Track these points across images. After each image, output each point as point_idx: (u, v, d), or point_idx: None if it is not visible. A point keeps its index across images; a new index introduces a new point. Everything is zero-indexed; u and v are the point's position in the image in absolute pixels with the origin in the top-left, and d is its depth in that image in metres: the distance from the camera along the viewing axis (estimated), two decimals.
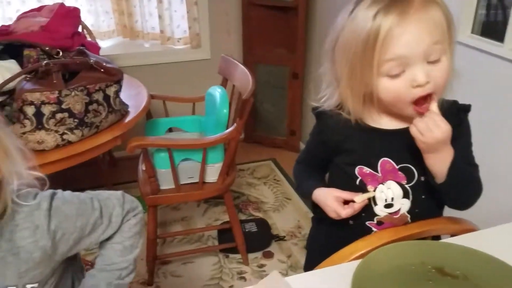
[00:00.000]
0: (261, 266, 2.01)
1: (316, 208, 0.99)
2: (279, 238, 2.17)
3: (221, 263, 2.04)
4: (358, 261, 0.79)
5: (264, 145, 2.97)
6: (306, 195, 1.01)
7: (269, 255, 2.07)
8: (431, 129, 0.77)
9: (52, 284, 0.80)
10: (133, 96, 1.78)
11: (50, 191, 0.75)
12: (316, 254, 0.99)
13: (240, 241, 1.99)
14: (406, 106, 0.80)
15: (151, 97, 1.89)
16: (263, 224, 2.19)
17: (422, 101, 0.79)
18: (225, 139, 1.71)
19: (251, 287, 0.79)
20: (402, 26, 0.73)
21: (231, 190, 2.22)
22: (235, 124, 1.70)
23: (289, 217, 2.32)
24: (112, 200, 0.80)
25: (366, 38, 0.75)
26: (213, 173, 1.82)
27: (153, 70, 2.56)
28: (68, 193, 0.77)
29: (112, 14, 2.50)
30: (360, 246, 0.88)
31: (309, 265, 0.96)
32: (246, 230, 2.11)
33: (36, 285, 0.75)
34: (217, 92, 1.85)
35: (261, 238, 2.13)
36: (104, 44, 2.45)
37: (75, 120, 1.31)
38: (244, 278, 1.94)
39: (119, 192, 0.83)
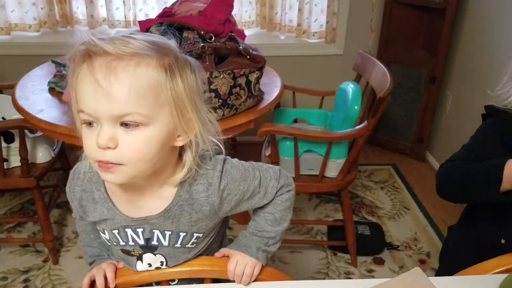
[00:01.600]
0: (370, 271, 1.96)
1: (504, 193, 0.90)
2: (393, 247, 2.08)
3: (329, 259, 2.03)
4: (505, 275, 0.74)
5: (386, 148, 2.87)
6: (491, 172, 0.91)
7: (379, 262, 2.01)
8: None
9: (212, 237, 0.88)
10: (268, 84, 1.85)
11: (223, 156, 0.82)
12: (452, 266, 0.94)
13: (351, 241, 1.96)
14: None
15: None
16: (377, 229, 2.12)
17: None
18: (354, 136, 1.69)
19: (389, 279, 0.79)
20: None
21: None
22: (365, 122, 1.67)
23: (405, 228, 2.22)
24: (270, 172, 0.85)
25: None
26: (333, 168, 1.82)
27: (286, 62, 2.62)
28: (236, 160, 0.85)
29: (255, 5, 2.61)
30: (508, 260, 0.82)
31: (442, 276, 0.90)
32: (359, 232, 2.06)
33: (201, 235, 0.83)
34: (350, 87, 1.83)
35: (373, 243, 2.07)
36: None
37: (220, 100, 1.41)
38: (351, 279, 1.91)
39: (277, 167, 0.87)
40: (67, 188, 0.85)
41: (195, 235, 0.83)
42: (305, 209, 2.34)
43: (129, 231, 0.81)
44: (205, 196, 0.79)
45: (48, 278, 1.89)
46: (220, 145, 0.80)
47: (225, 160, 0.82)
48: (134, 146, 0.67)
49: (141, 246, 0.83)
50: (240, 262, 0.84)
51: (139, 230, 0.81)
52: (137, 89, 0.65)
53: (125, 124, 0.66)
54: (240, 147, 2.83)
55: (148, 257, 0.84)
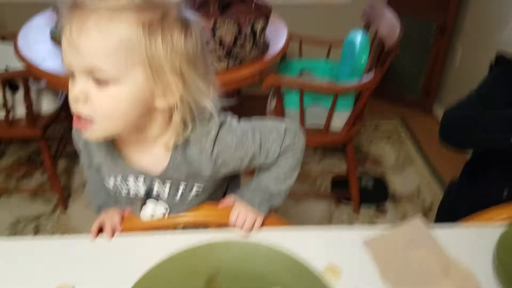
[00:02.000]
0: (372, 221, 2.00)
1: None
2: (395, 199, 2.11)
3: (332, 210, 2.06)
4: (506, 222, 0.75)
5: (392, 101, 2.83)
6: (506, 119, 0.88)
7: (382, 213, 2.04)
8: None
9: (216, 186, 0.88)
10: (273, 34, 1.80)
11: (222, 117, 0.79)
12: (450, 219, 0.95)
13: (354, 193, 1.98)
14: None
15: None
16: (380, 182, 2.14)
17: None
18: (361, 88, 1.67)
19: (390, 229, 0.80)
20: None
21: None
22: (372, 73, 1.64)
23: (409, 180, 2.23)
24: (273, 134, 0.81)
25: None
26: (339, 122, 1.81)
27: (293, 11, 2.55)
28: (235, 122, 0.81)
29: None
30: (510, 209, 0.83)
31: None
32: (362, 184, 2.08)
33: (201, 187, 0.84)
34: (358, 37, 1.78)
35: (376, 195, 2.09)
36: None
37: (223, 51, 1.38)
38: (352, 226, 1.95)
39: (283, 127, 0.83)
40: (73, 129, 0.85)
41: (196, 186, 0.83)
42: (310, 162, 2.35)
43: (130, 180, 0.82)
44: (198, 159, 0.78)
45: (58, 226, 1.95)
46: (215, 110, 0.75)
47: (222, 124, 0.79)
48: (103, 102, 0.66)
49: (143, 195, 0.84)
50: (241, 214, 0.85)
51: (141, 179, 0.81)
52: (105, 44, 0.63)
53: (97, 80, 0.65)
54: (245, 101, 2.81)
55: (151, 204, 0.86)
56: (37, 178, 2.23)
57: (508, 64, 0.89)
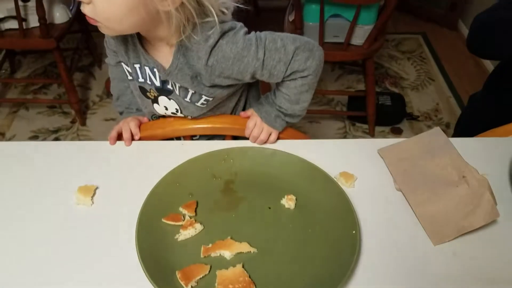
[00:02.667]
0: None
1: None
2: (412, 117, 2.09)
3: (346, 129, 2.06)
4: None
5: (416, 16, 2.69)
6: None
7: (397, 132, 2.03)
8: None
9: (226, 97, 0.87)
10: None
11: (228, 25, 0.75)
12: (469, 133, 0.94)
13: (371, 111, 1.96)
14: None
15: None
16: (398, 100, 2.10)
17: None
18: None
19: (408, 138, 0.80)
20: None
21: None
22: None
23: (428, 99, 2.19)
24: (281, 53, 0.76)
25: None
26: (360, 36, 1.73)
27: None
28: (241, 33, 0.76)
29: None
30: None
31: None
32: (379, 103, 2.05)
33: (210, 99, 0.83)
34: None
35: (393, 113, 2.07)
36: None
37: None
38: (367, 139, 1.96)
39: (293, 48, 0.76)
40: None
41: (203, 97, 0.82)
42: (326, 80, 2.30)
43: (147, 69, 0.82)
44: (196, 65, 0.76)
45: (77, 138, 2.00)
46: (217, 17, 0.72)
47: (225, 32, 0.74)
48: (102, 6, 0.67)
49: (157, 88, 0.84)
50: (258, 125, 0.85)
51: (156, 71, 0.81)
52: None
53: None
54: (263, 14, 2.70)
55: (163, 100, 0.86)
56: (54, 90, 2.25)
57: None
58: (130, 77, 0.87)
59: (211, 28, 0.73)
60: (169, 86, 0.83)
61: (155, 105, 0.88)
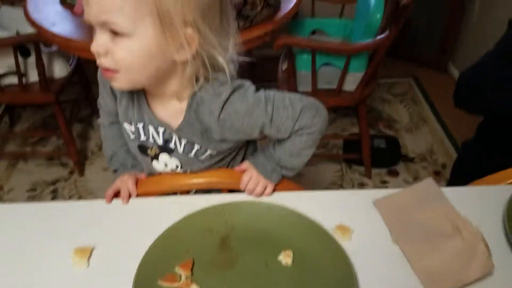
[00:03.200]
0: (384, 182, 2.01)
1: None
2: (408, 159, 2.11)
3: (344, 171, 2.07)
4: None
5: (406, 60, 2.77)
6: None
7: (394, 173, 2.05)
8: None
9: (228, 153, 0.89)
10: None
11: (238, 82, 0.78)
12: (463, 180, 0.95)
13: (366, 154, 1.98)
14: None
15: None
16: (393, 142, 2.13)
17: None
18: (375, 47, 1.63)
19: (401, 189, 0.81)
20: None
21: None
22: (387, 31, 1.60)
23: (422, 140, 2.22)
24: (289, 111, 0.79)
25: None
26: (352, 82, 1.78)
27: None
28: (251, 90, 0.79)
29: None
30: None
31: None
32: (374, 145, 2.08)
33: (215, 152, 0.85)
34: None
35: (388, 156, 2.09)
36: None
37: (233, 11, 1.35)
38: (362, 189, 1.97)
39: (300, 106, 0.79)
40: (98, 71, 0.86)
41: (209, 151, 0.84)
42: None
43: (151, 128, 0.84)
44: (207, 119, 0.78)
45: (75, 189, 2.00)
46: (230, 72, 0.74)
47: (236, 88, 0.77)
48: (121, 55, 0.68)
49: (159, 146, 0.86)
50: (253, 179, 0.86)
51: (160, 130, 0.83)
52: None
53: (113, 33, 0.67)
54: (256, 62, 2.77)
55: (164, 157, 0.87)
56: (53, 142, 2.27)
57: None
58: (132, 137, 0.88)
59: (222, 84, 0.76)
60: (172, 145, 0.84)
61: (154, 161, 0.89)
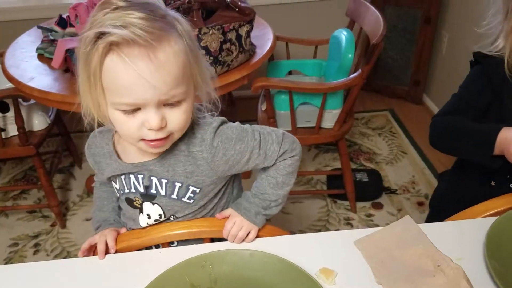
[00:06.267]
0: (369, 215, 2.01)
1: (491, 157, 0.91)
2: (391, 191, 2.13)
3: (329, 207, 2.08)
4: (494, 218, 0.77)
5: (382, 94, 2.85)
6: (485, 137, 0.91)
7: (378, 206, 2.06)
8: None
9: (212, 195, 0.89)
10: (259, 36, 1.81)
11: (223, 118, 0.85)
12: (442, 211, 0.97)
13: (350, 188, 2.00)
14: None
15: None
16: (374, 175, 2.16)
17: None
18: (348, 85, 1.68)
19: (380, 228, 0.81)
20: None
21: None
22: (359, 70, 1.65)
23: (403, 172, 2.25)
24: (272, 136, 0.84)
25: None
26: (330, 119, 1.82)
27: (276, 10, 2.56)
28: (237, 123, 0.86)
29: None
30: (497, 203, 0.85)
31: (432, 221, 0.94)
32: (357, 179, 2.10)
33: (197, 190, 0.85)
34: (343, 35, 1.79)
35: (371, 189, 2.11)
36: None
37: (211, 58, 1.39)
38: (351, 225, 1.97)
39: (281, 132, 0.86)
40: (85, 146, 0.91)
41: (191, 188, 0.84)
42: (305, 160, 2.36)
43: (132, 177, 0.85)
44: (199, 150, 0.81)
45: (58, 242, 1.95)
46: (217, 103, 0.83)
47: (223, 121, 0.84)
48: (180, 120, 0.74)
49: (141, 194, 0.86)
50: (237, 224, 0.86)
51: (140, 177, 0.84)
52: (177, 72, 0.70)
53: (170, 104, 0.72)
54: (237, 102, 2.82)
55: (147, 207, 0.87)
56: (34, 195, 2.23)
57: (484, 60, 0.90)
58: (118, 194, 0.89)
59: (210, 119, 0.84)
60: (153, 190, 0.85)
61: (140, 215, 0.89)
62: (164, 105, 0.71)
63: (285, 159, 0.86)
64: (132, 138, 0.75)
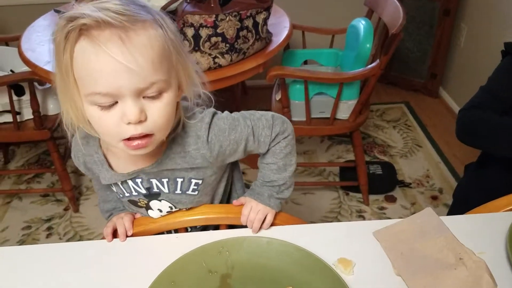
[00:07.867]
0: (382, 208, 2.00)
1: None
2: (404, 185, 2.10)
3: (341, 199, 2.06)
4: None
5: (398, 86, 2.81)
6: None
7: (391, 199, 2.04)
8: None
9: (215, 183, 0.89)
10: (275, 24, 1.79)
11: (213, 109, 0.82)
12: (465, 203, 0.95)
13: (363, 181, 1.98)
14: None
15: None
16: (388, 168, 2.13)
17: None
18: (366, 75, 1.65)
19: (400, 220, 0.80)
20: None
21: None
22: (377, 60, 1.62)
23: (417, 165, 2.22)
24: (262, 121, 0.83)
25: None
26: (345, 110, 1.80)
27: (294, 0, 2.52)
28: (225, 112, 0.84)
29: None
30: None
31: (454, 213, 0.92)
32: (370, 172, 2.07)
33: (200, 181, 0.84)
34: (361, 24, 1.76)
35: (385, 182, 2.08)
36: None
37: (227, 45, 1.37)
38: (363, 217, 1.95)
39: (270, 114, 0.84)
40: (72, 155, 0.87)
41: (193, 181, 0.83)
42: (317, 151, 2.35)
43: (130, 182, 0.83)
44: (195, 148, 0.79)
45: (70, 226, 1.97)
46: (211, 96, 0.79)
47: (214, 113, 0.81)
48: (161, 113, 0.67)
49: (145, 195, 0.85)
50: (253, 208, 0.86)
51: (138, 181, 0.83)
52: (152, 55, 0.63)
53: (150, 96, 0.65)
54: (250, 92, 2.80)
55: (155, 204, 0.87)
56: (48, 178, 2.25)
57: None
58: (119, 196, 0.88)
59: (201, 111, 0.80)
60: (155, 190, 0.84)
61: (149, 211, 0.89)
62: (144, 97, 0.65)
63: (279, 141, 0.85)
64: (112, 137, 0.67)
